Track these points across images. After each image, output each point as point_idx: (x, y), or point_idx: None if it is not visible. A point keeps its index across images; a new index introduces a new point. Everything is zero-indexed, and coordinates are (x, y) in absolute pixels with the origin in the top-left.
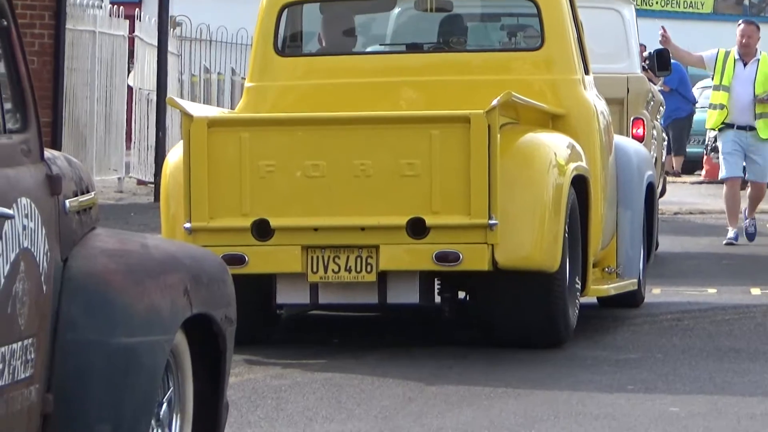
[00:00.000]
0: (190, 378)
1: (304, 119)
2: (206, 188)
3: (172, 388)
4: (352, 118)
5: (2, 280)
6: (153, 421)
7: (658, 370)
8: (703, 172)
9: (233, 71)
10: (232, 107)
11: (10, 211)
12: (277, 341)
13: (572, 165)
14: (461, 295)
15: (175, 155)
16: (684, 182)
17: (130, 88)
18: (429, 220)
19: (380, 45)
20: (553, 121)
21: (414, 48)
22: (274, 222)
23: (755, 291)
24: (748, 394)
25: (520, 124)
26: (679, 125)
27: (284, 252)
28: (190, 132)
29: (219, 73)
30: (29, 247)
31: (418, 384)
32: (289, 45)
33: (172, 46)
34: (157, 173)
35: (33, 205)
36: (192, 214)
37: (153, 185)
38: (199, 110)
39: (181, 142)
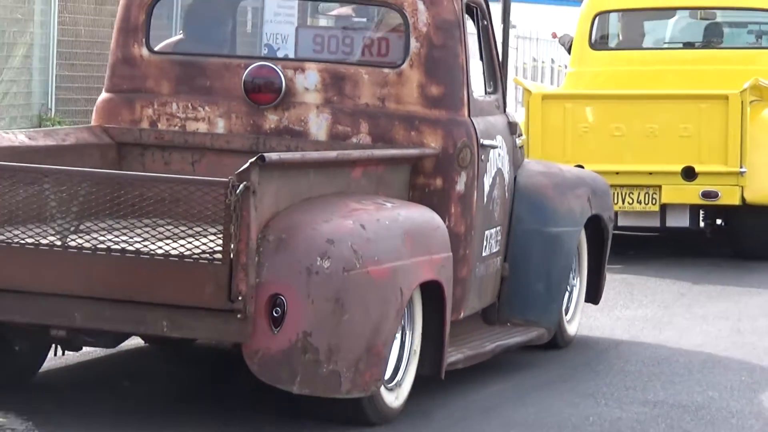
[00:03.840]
0: (585, 256)
1: (610, 95)
2: (540, 142)
3: (576, 264)
4: (645, 94)
5: (488, 188)
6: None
7: None
8: None
9: (552, 61)
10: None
11: (496, 143)
12: None
13: None
14: (719, 221)
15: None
16: None
17: None
18: (697, 168)
19: (663, 43)
20: None
21: (688, 45)
22: (587, 167)
23: None
24: None
25: (764, 101)
26: None
27: None
28: (530, 103)
29: (542, 62)
30: (501, 167)
31: (687, 283)
32: (599, 42)
33: (512, 43)
34: None
35: (503, 140)
36: None
37: None
38: (536, 88)
39: (522, 110)
